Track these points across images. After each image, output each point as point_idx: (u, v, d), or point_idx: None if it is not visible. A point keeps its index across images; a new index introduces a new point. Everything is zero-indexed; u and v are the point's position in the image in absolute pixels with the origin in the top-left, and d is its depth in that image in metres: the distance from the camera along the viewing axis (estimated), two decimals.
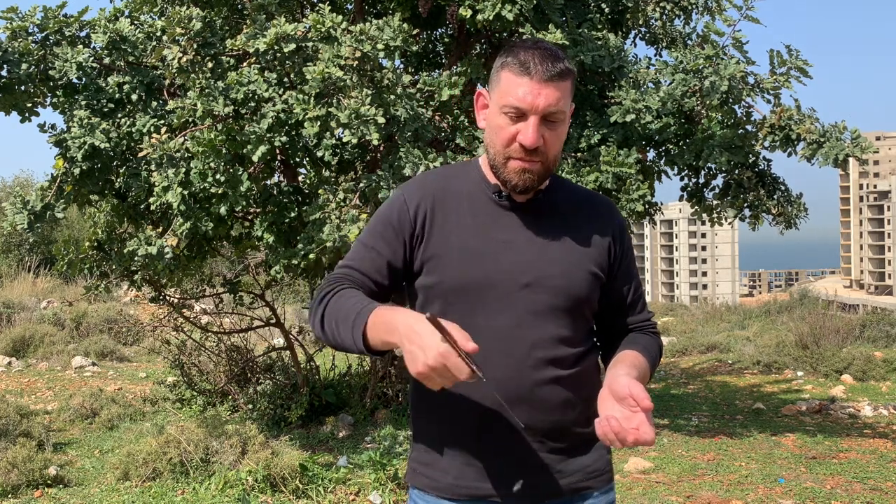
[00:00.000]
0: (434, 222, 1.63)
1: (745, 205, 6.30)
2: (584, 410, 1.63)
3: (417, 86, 5.44)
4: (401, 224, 1.63)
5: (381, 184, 4.96)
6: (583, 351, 1.65)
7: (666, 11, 6.80)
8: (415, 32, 5.30)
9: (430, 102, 5.42)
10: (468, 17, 5.32)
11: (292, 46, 4.94)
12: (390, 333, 1.39)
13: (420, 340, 1.32)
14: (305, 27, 5.11)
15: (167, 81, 5.44)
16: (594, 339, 1.74)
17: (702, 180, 6.56)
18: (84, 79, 5.46)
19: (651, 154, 6.19)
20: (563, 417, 1.61)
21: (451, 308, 1.60)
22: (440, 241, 1.62)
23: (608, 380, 1.55)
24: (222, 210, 5.08)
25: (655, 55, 7.32)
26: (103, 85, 5.52)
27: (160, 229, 5.59)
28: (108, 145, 5.29)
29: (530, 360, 1.58)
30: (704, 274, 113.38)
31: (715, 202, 6.60)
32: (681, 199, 6.78)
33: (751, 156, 5.98)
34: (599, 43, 5.61)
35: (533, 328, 1.59)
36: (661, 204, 7.17)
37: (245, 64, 5.35)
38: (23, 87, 5.36)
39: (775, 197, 6.31)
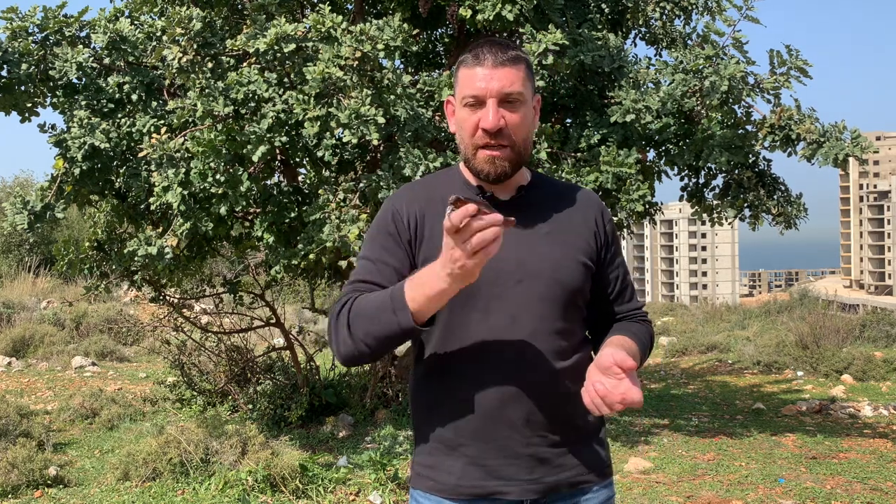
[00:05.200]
0: (424, 228, 1.66)
1: (745, 205, 6.29)
2: (581, 403, 1.64)
3: (417, 86, 5.45)
4: (399, 230, 1.65)
5: (381, 184, 4.96)
6: (578, 342, 1.68)
7: (666, 11, 6.79)
8: (415, 32, 5.30)
9: (430, 102, 5.42)
10: (468, 17, 5.31)
11: (292, 46, 4.94)
12: (431, 280, 1.40)
13: (448, 254, 1.35)
14: (305, 27, 5.11)
15: (167, 81, 5.44)
16: (587, 330, 1.76)
17: (702, 180, 6.55)
18: (84, 79, 5.46)
19: (651, 154, 6.19)
20: (563, 410, 1.63)
21: (446, 307, 1.60)
22: (431, 246, 1.63)
23: (595, 358, 1.57)
24: (222, 210, 5.08)
25: (655, 55, 7.32)
26: (103, 85, 5.52)
27: (160, 229, 5.59)
28: (108, 145, 5.29)
29: (528, 354, 1.59)
30: (704, 274, 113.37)
31: (715, 202, 6.60)
32: (681, 199, 6.78)
33: (751, 156, 5.98)
34: (599, 43, 5.60)
35: (529, 322, 1.60)
36: (661, 204, 7.17)
37: (245, 64, 5.35)
38: (23, 87, 5.36)
39: (775, 197, 6.31)
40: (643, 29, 7.14)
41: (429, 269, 1.41)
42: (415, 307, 1.43)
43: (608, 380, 1.47)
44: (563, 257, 1.65)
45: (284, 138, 5.05)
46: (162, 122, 5.42)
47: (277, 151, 5.59)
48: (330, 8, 5.44)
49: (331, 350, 1.64)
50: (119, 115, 5.58)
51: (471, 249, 1.30)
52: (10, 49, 5.20)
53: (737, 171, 6.26)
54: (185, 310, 7.51)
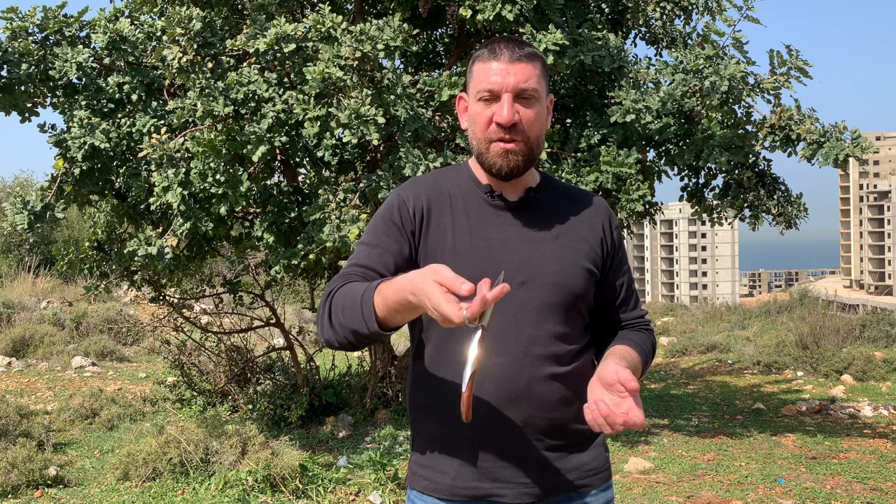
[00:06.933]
0: (430, 222, 1.64)
1: (745, 205, 6.30)
2: (581, 407, 1.62)
3: (417, 86, 5.45)
4: (402, 221, 1.63)
5: (381, 184, 4.96)
6: (579, 348, 1.66)
7: (666, 11, 6.80)
8: (415, 32, 5.30)
9: (430, 102, 5.42)
10: (468, 17, 5.32)
11: (292, 46, 4.95)
12: (403, 292, 1.35)
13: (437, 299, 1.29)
14: (305, 27, 5.11)
15: (167, 81, 5.44)
16: (589, 336, 1.74)
17: (702, 180, 6.56)
18: (84, 79, 5.46)
19: (651, 154, 6.19)
20: (560, 415, 1.62)
21: None
22: (435, 242, 1.63)
23: (597, 370, 1.55)
24: (222, 210, 5.08)
25: (655, 55, 7.32)
26: (103, 85, 5.52)
27: (160, 229, 5.59)
28: (108, 145, 5.29)
29: (527, 358, 1.58)
30: (704, 274, 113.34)
31: (715, 202, 6.60)
32: (681, 199, 6.78)
33: (751, 156, 5.98)
34: (599, 43, 5.61)
35: (529, 326, 1.59)
36: (661, 204, 7.17)
37: (245, 64, 5.35)
38: (23, 87, 5.36)
39: (775, 197, 6.31)
40: (643, 29, 7.15)
41: (405, 279, 1.36)
42: (382, 313, 1.41)
43: (611, 397, 1.45)
44: (568, 262, 1.64)
45: (284, 138, 5.05)
46: (162, 122, 5.42)
47: (277, 151, 5.59)
48: (330, 8, 5.44)
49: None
50: (119, 115, 5.58)
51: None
52: (10, 49, 5.20)
53: (737, 171, 6.26)
54: (185, 310, 7.50)
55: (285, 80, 5.29)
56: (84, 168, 5.35)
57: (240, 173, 5.13)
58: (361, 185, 5.14)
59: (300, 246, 5.11)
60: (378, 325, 1.41)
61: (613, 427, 1.43)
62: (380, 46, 4.82)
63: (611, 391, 1.46)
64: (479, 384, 1.59)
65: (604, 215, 1.74)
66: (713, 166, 6.19)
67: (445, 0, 5.77)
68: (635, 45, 7.31)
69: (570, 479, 1.64)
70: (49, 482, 5.06)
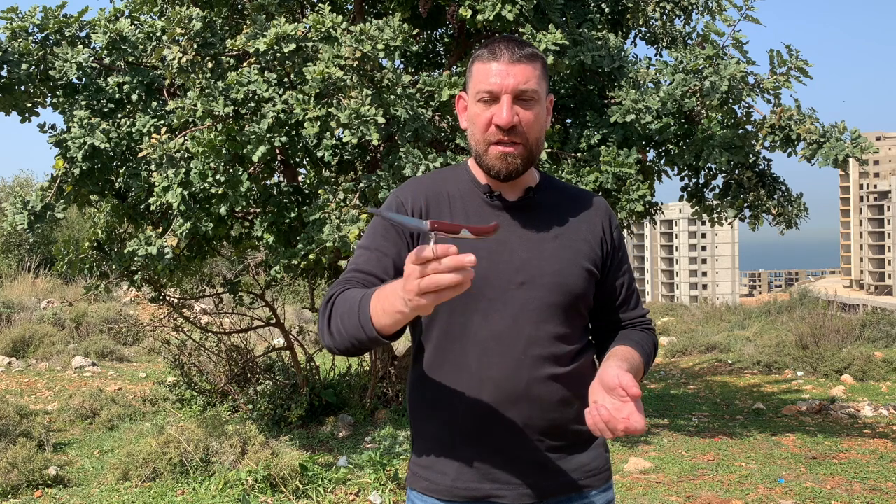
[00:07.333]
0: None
1: (745, 205, 6.30)
2: (581, 408, 1.61)
3: (417, 86, 5.45)
4: None
5: (381, 184, 4.96)
6: (579, 348, 1.65)
7: (666, 11, 6.80)
8: (415, 32, 5.30)
9: (430, 102, 5.42)
10: (468, 17, 5.32)
11: (292, 46, 4.95)
12: (392, 297, 1.31)
13: (405, 282, 1.24)
14: (305, 27, 5.12)
15: (167, 81, 5.44)
16: (590, 336, 1.74)
17: (702, 180, 6.56)
18: (84, 79, 5.46)
19: (651, 154, 6.19)
20: (560, 415, 1.61)
21: (446, 308, 1.59)
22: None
23: (599, 372, 1.54)
24: (222, 210, 5.08)
25: (655, 55, 7.32)
26: (103, 85, 5.52)
27: (160, 229, 5.59)
28: (108, 145, 5.29)
29: (527, 358, 1.58)
30: (704, 274, 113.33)
31: (715, 202, 6.60)
32: (681, 199, 6.78)
33: (751, 156, 5.98)
34: (599, 43, 5.61)
35: (529, 326, 1.59)
36: (661, 204, 7.17)
37: (245, 64, 5.35)
38: (23, 87, 5.36)
39: (775, 197, 6.31)
40: (643, 29, 7.15)
41: (394, 285, 1.32)
42: (376, 321, 1.37)
43: (612, 401, 1.44)
44: (567, 262, 1.63)
45: (284, 138, 5.05)
46: (162, 122, 5.43)
47: (277, 151, 5.59)
48: (330, 8, 5.44)
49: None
50: (119, 115, 5.58)
51: (421, 289, 1.20)
52: (10, 49, 5.20)
53: (737, 171, 6.26)
54: (185, 310, 7.50)
55: (285, 80, 5.29)
56: (84, 168, 5.35)
57: (240, 173, 5.13)
58: (361, 185, 5.14)
59: (300, 246, 5.11)
60: (376, 331, 1.38)
61: (614, 432, 1.42)
62: (380, 46, 4.82)
63: (612, 395, 1.45)
64: (479, 384, 1.59)
65: (604, 215, 1.73)
66: (713, 166, 6.20)
67: (445, 0, 5.77)
68: (635, 45, 7.32)
69: (570, 480, 1.63)
70: (49, 482, 5.06)
